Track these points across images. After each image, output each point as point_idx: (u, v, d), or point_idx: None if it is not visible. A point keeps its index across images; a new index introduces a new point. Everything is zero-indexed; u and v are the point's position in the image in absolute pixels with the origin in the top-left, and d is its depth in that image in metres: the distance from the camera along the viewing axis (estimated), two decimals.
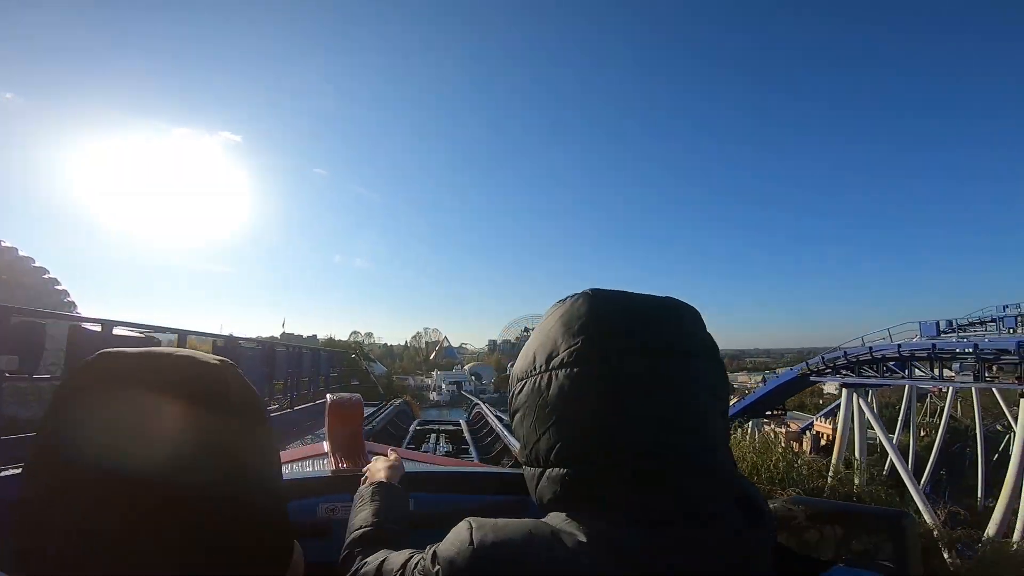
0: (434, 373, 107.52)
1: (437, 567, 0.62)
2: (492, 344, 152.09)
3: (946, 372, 18.87)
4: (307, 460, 1.91)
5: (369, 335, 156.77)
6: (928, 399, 43.84)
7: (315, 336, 43.36)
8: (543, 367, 0.66)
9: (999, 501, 15.69)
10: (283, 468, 1.52)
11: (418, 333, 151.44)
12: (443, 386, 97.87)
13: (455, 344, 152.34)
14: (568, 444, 0.63)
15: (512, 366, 0.76)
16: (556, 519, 0.62)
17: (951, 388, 26.44)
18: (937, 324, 21.91)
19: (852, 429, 21.68)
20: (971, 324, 21.86)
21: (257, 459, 0.65)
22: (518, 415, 0.71)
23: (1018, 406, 17.30)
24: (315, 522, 1.42)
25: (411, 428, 19.59)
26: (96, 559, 0.53)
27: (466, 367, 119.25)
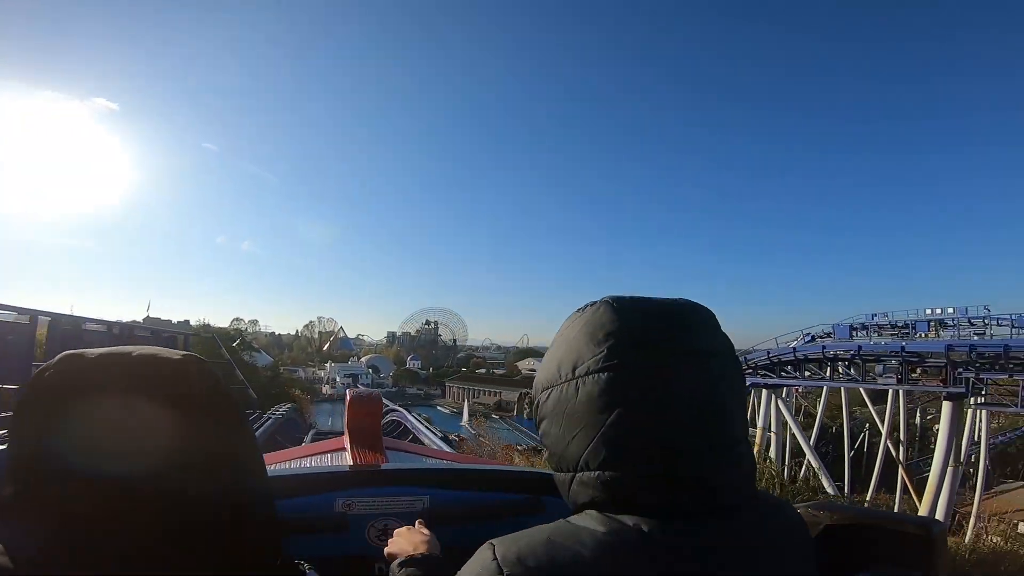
0: (328, 365, 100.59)
1: None
2: (391, 336, 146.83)
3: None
4: (326, 454, 1.90)
5: (254, 322, 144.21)
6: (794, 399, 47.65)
7: (187, 321, 37.43)
8: (569, 375, 0.68)
9: (925, 496, 15.67)
10: (301, 461, 1.83)
11: (311, 322, 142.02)
12: (338, 379, 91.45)
13: (351, 335, 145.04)
14: (597, 448, 0.64)
15: (533, 382, 0.79)
16: (586, 518, 0.64)
17: (825, 388, 27.66)
18: (850, 326, 22.42)
19: (769, 430, 21.55)
20: (883, 326, 22.63)
21: (226, 452, 0.65)
22: (545, 423, 0.72)
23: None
24: (332, 517, 1.42)
25: (305, 441, 16.69)
26: (79, 561, 0.55)
27: (363, 359, 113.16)
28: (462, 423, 73.95)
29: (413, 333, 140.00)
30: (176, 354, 0.65)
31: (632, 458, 0.63)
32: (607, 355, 0.65)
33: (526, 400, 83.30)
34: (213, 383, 0.66)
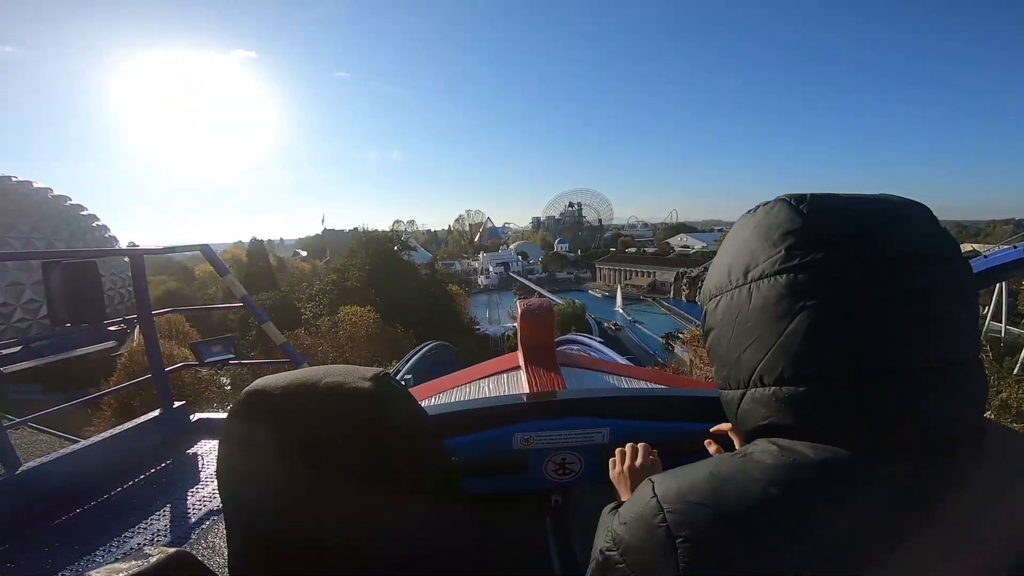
0: (480, 255, 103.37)
1: (623, 527, 0.57)
2: (536, 222, 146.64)
3: None
4: (502, 375, 1.83)
5: (412, 223, 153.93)
6: None
7: (356, 229, 38.98)
8: (740, 280, 0.60)
9: None
10: (480, 384, 1.80)
11: (460, 216, 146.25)
12: (491, 268, 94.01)
13: (498, 224, 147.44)
14: (774, 359, 0.56)
15: (691, 282, 0.70)
16: (758, 447, 0.56)
17: None
18: None
19: None
20: None
21: (415, 490, 0.63)
22: (713, 334, 0.65)
23: None
24: (512, 455, 1.39)
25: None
26: None
27: (511, 246, 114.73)
28: (616, 308, 72.91)
29: (557, 216, 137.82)
30: (365, 381, 0.62)
31: (815, 373, 0.53)
32: (785, 256, 0.56)
33: (684, 280, 78.85)
34: (405, 413, 0.64)
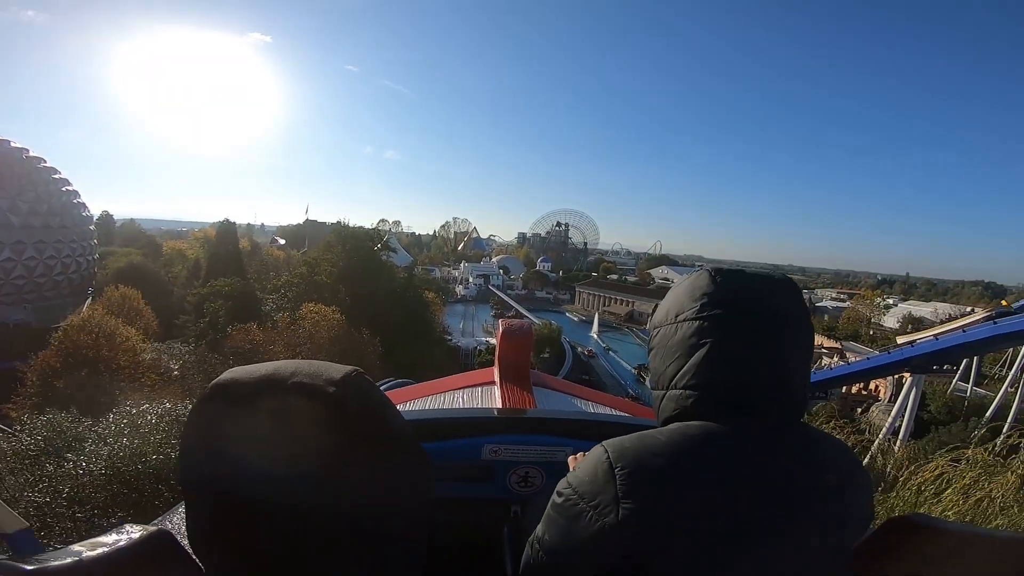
0: (462, 265, 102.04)
1: (576, 474, 0.85)
2: (522, 237, 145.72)
3: None
4: (477, 388, 1.91)
5: (397, 223, 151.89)
6: None
7: (339, 223, 37.25)
8: (672, 320, 0.92)
9: None
10: (455, 394, 1.87)
11: (447, 222, 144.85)
12: (470, 279, 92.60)
13: (484, 235, 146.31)
14: (686, 372, 0.87)
15: (652, 312, 1.03)
16: (669, 426, 0.86)
17: None
18: None
19: None
20: None
21: (377, 483, 0.67)
22: (652, 352, 0.97)
23: None
24: (479, 465, 1.48)
25: None
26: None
27: (494, 259, 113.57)
28: (591, 333, 72.19)
29: (543, 234, 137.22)
30: (335, 377, 0.66)
31: (708, 383, 0.85)
32: (699, 309, 0.88)
33: None
34: (371, 411, 0.69)
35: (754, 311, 0.88)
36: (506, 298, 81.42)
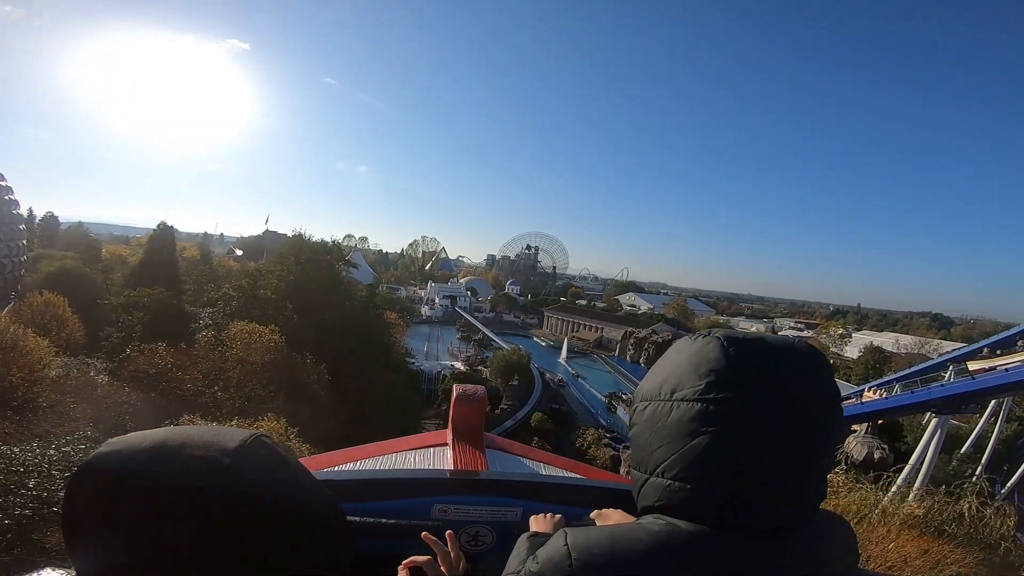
0: (429, 285, 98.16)
1: (537, 565, 0.72)
2: (491, 259, 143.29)
3: None
4: (429, 449, 1.88)
5: (364, 239, 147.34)
6: None
7: (297, 234, 32.94)
8: (667, 396, 0.75)
9: None
10: (407, 455, 1.83)
11: (415, 241, 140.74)
12: (436, 300, 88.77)
13: (452, 256, 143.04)
14: (676, 462, 0.71)
15: (636, 391, 0.84)
16: (648, 520, 0.73)
17: None
18: None
19: None
20: None
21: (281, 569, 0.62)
22: (636, 428, 0.80)
23: None
24: (429, 523, 1.43)
25: None
26: None
27: (462, 280, 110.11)
28: (560, 359, 69.59)
29: (512, 257, 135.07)
30: (228, 451, 0.59)
31: (704, 479, 0.69)
32: (704, 389, 0.71)
33: (631, 340, 76.95)
34: (267, 484, 0.62)
35: (775, 396, 0.69)
36: (473, 320, 77.84)
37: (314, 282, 29.20)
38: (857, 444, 33.40)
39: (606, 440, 35.91)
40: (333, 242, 37.71)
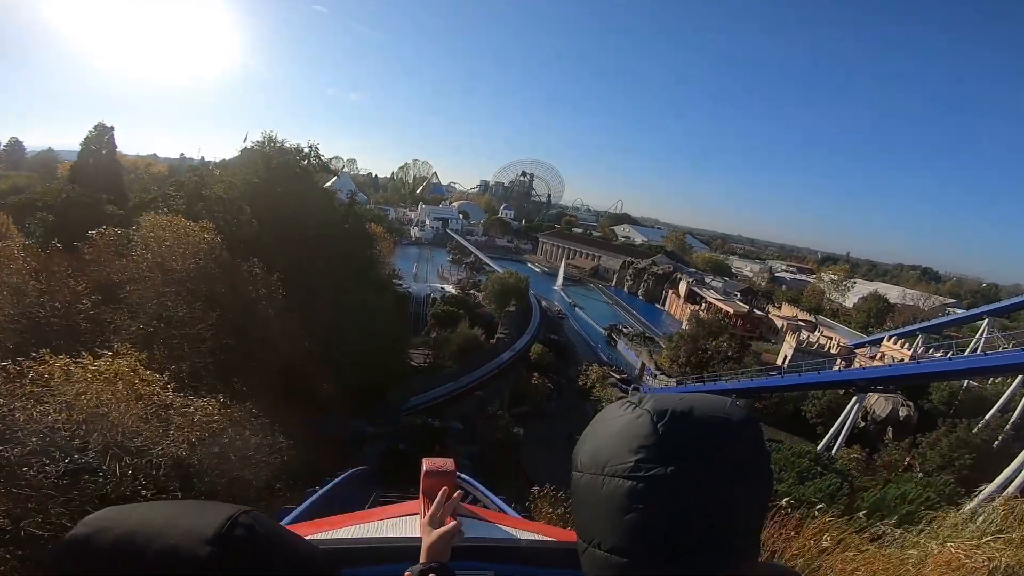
0: (419, 206, 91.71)
1: None
2: (484, 185, 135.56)
3: None
4: (401, 519, 1.89)
5: (353, 162, 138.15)
6: None
7: (268, 137, 26.32)
8: (598, 471, 0.76)
9: None
10: (377, 525, 1.84)
11: (406, 164, 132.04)
12: (427, 221, 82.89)
13: (444, 183, 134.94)
14: (609, 535, 0.73)
15: (577, 456, 0.82)
16: None
17: None
18: None
19: None
20: None
21: None
22: (575, 497, 0.82)
23: None
24: None
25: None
26: None
27: (454, 204, 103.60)
28: (555, 287, 65.33)
29: (506, 184, 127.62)
30: (205, 543, 0.55)
31: (639, 553, 0.71)
32: (633, 467, 0.71)
33: (630, 270, 72.67)
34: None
35: (704, 468, 0.71)
36: (465, 243, 72.60)
37: (283, 186, 23.57)
38: (880, 399, 29.74)
39: (613, 379, 32.22)
40: (311, 146, 31.44)
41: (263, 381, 16.45)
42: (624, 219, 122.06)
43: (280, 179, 23.40)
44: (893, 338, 38.61)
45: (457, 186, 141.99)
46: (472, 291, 43.74)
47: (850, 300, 62.14)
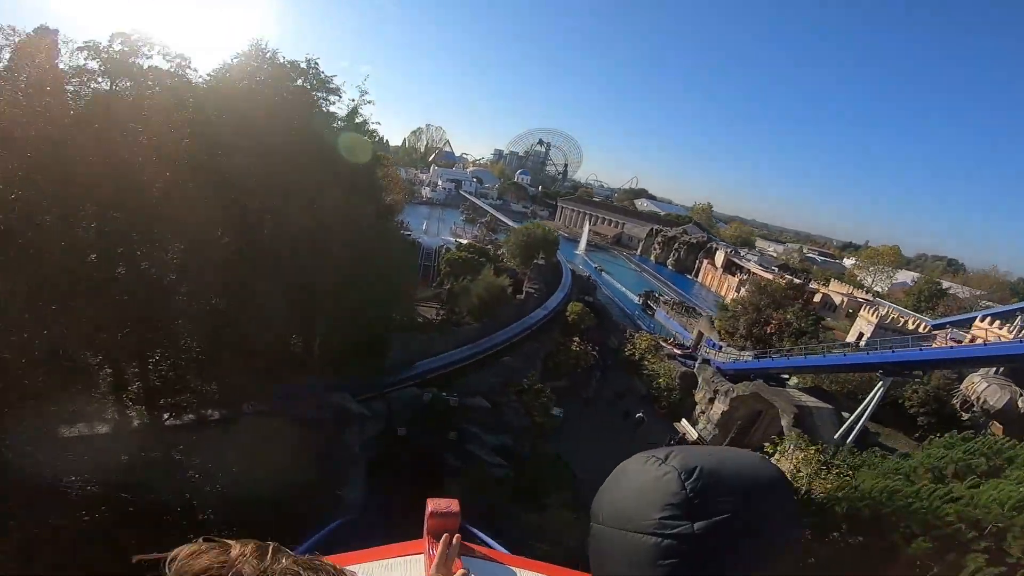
0: (431, 168, 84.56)
1: None
2: (498, 154, 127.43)
3: None
4: (405, 558, 1.78)
5: (364, 123, 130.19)
6: None
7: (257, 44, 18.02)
8: (620, 526, 0.74)
9: None
10: (380, 564, 1.68)
11: (419, 129, 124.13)
12: (439, 183, 75.92)
13: (456, 152, 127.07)
14: None
15: (596, 507, 0.79)
16: None
17: None
18: None
19: None
20: None
21: None
22: (593, 550, 0.78)
23: None
24: None
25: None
26: None
27: (468, 170, 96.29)
28: (578, 251, 58.89)
29: (521, 153, 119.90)
30: None
31: None
32: (658, 524, 0.69)
33: (658, 238, 66.01)
34: None
35: (734, 529, 0.68)
36: (480, 203, 65.79)
37: (265, 108, 16.51)
38: (991, 387, 22.72)
39: (668, 351, 25.80)
40: (309, 60, 24.09)
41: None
42: (641, 194, 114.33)
43: (265, 102, 16.56)
44: (988, 318, 32.04)
45: (469, 156, 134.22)
46: (488, 246, 37.06)
47: (880, 286, 55.23)
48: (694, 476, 0.70)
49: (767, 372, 19.59)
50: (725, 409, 18.98)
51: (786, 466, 14.31)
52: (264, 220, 14.23)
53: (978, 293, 56.06)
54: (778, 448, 15.23)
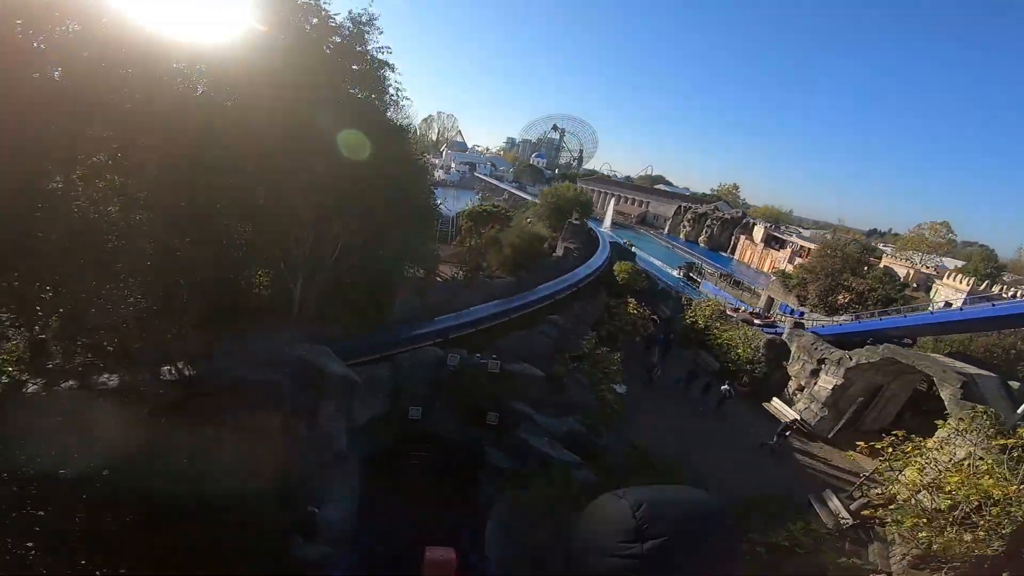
0: (444, 151, 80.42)
1: None
2: (511, 142, 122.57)
3: None
4: None
5: None
6: None
7: None
8: (593, 550, 0.93)
9: None
10: None
11: (430, 116, 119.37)
12: (453, 165, 71.81)
13: (468, 144, 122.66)
14: None
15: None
16: None
17: None
18: None
19: None
20: None
21: None
22: (576, 568, 0.97)
23: None
24: None
25: None
26: None
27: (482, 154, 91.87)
28: (603, 228, 54.76)
29: (534, 140, 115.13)
30: None
31: None
32: (616, 548, 0.88)
33: (687, 215, 61.39)
34: None
35: (675, 548, 0.84)
36: (496, 182, 61.51)
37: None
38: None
39: (744, 316, 21.47)
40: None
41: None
42: (658, 181, 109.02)
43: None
44: None
45: (479, 148, 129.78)
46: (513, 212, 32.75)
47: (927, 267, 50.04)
48: (641, 508, 0.87)
49: (886, 336, 15.15)
50: (839, 383, 14.61)
51: (961, 454, 9.48)
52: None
53: (1019, 278, 51.17)
54: (945, 430, 10.39)
